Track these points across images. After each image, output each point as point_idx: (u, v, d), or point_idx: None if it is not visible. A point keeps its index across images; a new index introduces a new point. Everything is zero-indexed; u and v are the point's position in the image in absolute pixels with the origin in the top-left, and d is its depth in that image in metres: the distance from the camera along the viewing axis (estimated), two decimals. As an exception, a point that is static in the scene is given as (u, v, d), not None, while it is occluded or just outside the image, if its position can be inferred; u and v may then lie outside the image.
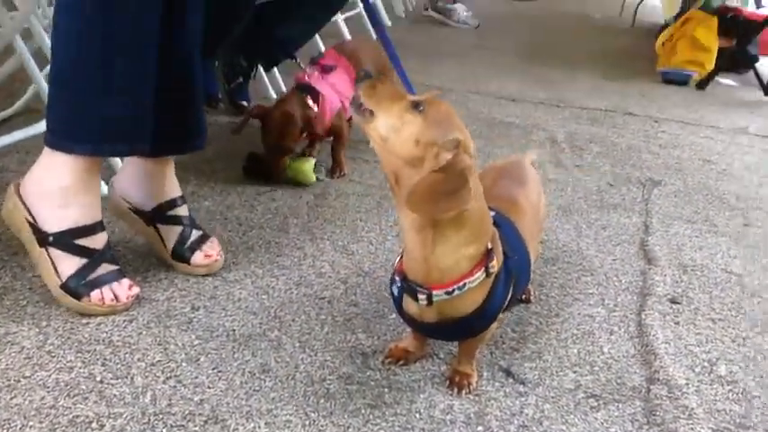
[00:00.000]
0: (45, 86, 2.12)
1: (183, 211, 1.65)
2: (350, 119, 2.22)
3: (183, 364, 1.31)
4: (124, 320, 1.42)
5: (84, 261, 1.42)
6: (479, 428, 1.22)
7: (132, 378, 1.26)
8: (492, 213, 1.23)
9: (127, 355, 1.32)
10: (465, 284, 1.14)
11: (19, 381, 1.23)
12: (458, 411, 1.26)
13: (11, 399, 1.19)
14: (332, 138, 2.25)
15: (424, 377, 1.33)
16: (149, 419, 1.17)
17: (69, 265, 1.42)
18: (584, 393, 1.34)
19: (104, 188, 1.82)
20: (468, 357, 1.32)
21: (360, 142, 2.54)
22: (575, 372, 1.39)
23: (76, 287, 1.41)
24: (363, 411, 1.22)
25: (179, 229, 1.62)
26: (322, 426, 1.19)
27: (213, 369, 1.30)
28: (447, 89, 3.38)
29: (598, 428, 1.25)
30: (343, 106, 2.18)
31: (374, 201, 2.09)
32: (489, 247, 1.16)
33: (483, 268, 1.15)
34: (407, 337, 1.37)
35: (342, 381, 1.29)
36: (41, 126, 2.08)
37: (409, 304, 1.21)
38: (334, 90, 2.16)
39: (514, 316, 1.55)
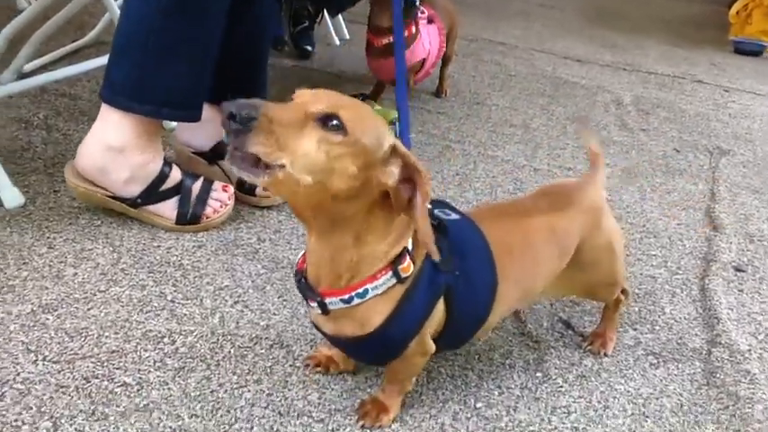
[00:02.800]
0: (118, 13, 2.17)
1: None
2: (418, 72, 2.22)
3: (250, 291, 1.34)
4: (193, 246, 1.46)
5: (177, 197, 1.50)
6: (538, 374, 1.23)
7: (201, 300, 1.30)
8: (454, 216, 1.03)
9: (196, 279, 1.35)
10: (367, 290, 0.91)
11: (95, 294, 1.28)
12: (516, 356, 1.27)
13: (88, 309, 1.24)
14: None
15: (484, 322, 1.34)
16: (218, 339, 1.21)
17: (169, 207, 1.49)
18: (643, 350, 1.33)
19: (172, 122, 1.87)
20: (389, 384, 1.08)
21: (422, 92, 2.53)
22: (635, 329, 1.39)
23: (190, 216, 1.50)
24: (424, 349, 1.24)
25: None
26: (383, 359, 1.20)
27: (278, 298, 1.33)
28: (512, 46, 3.33)
29: (657, 385, 1.24)
30: (424, 61, 2.19)
31: (436, 150, 2.09)
32: (408, 248, 0.93)
33: (390, 271, 0.92)
34: None
35: (403, 319, 1.31)
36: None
37: (311, 308, 0.98)
38: (428, 40, 2.17)
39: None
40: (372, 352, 1.00)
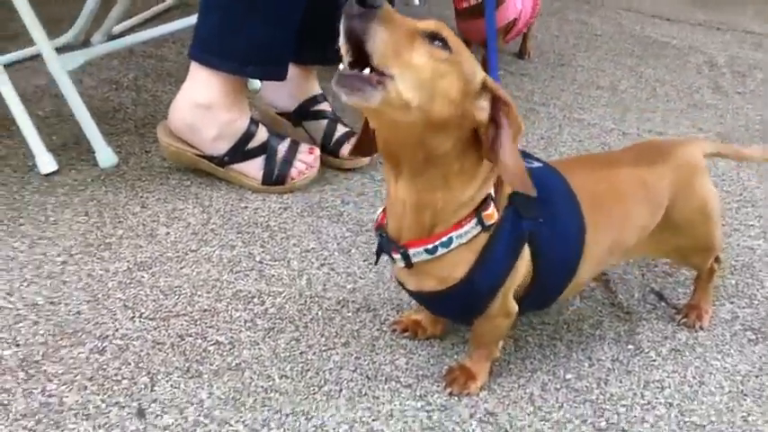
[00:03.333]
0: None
1: (325, 106, 1.69)
2: (509, 32, 2.16)
3: (336, 254, 1.34)
4: (279, 207, 1.47)
5: (263, 156, 1.50)
6: (630, 347, 1.19)
7: (289, 261, 1.31)
8: (536, 164, 0.99)
9: (283, 240, 1.37)
10: (451, 239, 0.89)
11: (187, 253, 1.31)
12: (607, 327, 1.23)
13: (180, 268, 1.27)
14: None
15: (573, 291, 1.31)
16: (306, 301, 1.22)
17: (255, 167, 1.51)
18: (741, 325, 1.27)
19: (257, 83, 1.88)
20: (476, 350, 1.07)
21: (504, 53, 2.47)
22: (731, 303, 1.33)
23: (276, 177, 1.51)
24: (511, 317, 1.22)
25: (324, 122, 1.66)
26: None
27: (364, 261, 1.33)
28: (597, 4, 3.20)
29: (756, 362, 1.19)
30: (516, 21, 2.12)
31: (520, 112, 2.00)
32: (491, 193, 0.91)
33: (474, 218, 0.89)
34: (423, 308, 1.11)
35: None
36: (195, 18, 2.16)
37: (396, 265, 0.97)
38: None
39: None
40: (457, 305, 0.97)
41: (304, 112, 1.68)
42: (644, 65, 2.52)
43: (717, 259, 1.24)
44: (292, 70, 1.64)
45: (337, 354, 1.12)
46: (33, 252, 1.28)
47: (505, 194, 0.93)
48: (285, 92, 1.68)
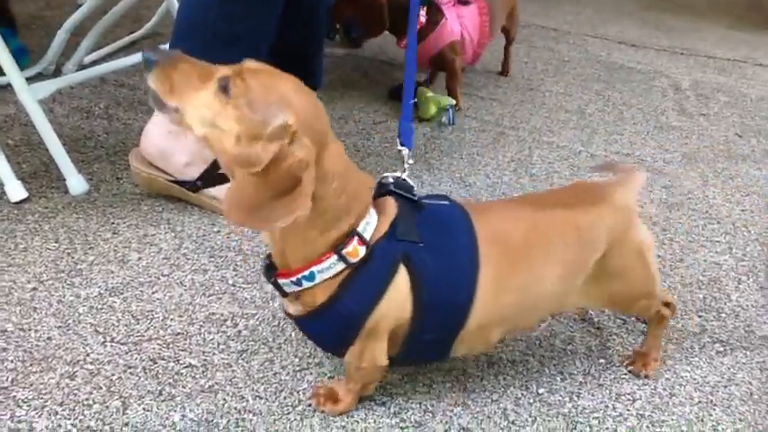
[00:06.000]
0: (176, 5, 2.20)
1: None
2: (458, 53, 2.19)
3: (309, 276, 1.35)
4: (252, 233, 1.47)
5: None
6: (601, 361, 1.21)
7: (262, 284, 1.31)
8: (443, 203, 1.01)
9: (255, 264, 1.37)
10: (313, 273, 0.91)
11: (159, 278, 1.30)
12: (578, 342, 1.25)
13: (152, 293, 1.26)
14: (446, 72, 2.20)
15: (544, 308, 1.32)
16: (279, 323, 1.22)
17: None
18: (709, 338, 1.30)
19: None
20: (349, 380, 1.04)
21: (475, 77, 2.51)
22: (700, 316, 1.35)
23: None
24: (484, 334, 1.23)
25: None
26: (443, 344, 1.20)
27: (337, 283, 1.33)
28: (564, 31, 3.28)
29: (724, 373, 1.21)
30: (462, 42, 2.13)
31: (491, 136, 2.07)
32: (358, 229, 0.91)
33: (334, 254, 0.90)
34: None
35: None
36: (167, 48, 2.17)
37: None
38: (460, 22, 2.12)
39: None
40: (324, 331, 0.96)
41: None
42: (611, 89, 2.58)
43: (668, 305, 1.18)
44: None
45: (311, 374, 1.11)
46: (2, 279, 1.27)
47: (387, 222, 0.93)
48: None
